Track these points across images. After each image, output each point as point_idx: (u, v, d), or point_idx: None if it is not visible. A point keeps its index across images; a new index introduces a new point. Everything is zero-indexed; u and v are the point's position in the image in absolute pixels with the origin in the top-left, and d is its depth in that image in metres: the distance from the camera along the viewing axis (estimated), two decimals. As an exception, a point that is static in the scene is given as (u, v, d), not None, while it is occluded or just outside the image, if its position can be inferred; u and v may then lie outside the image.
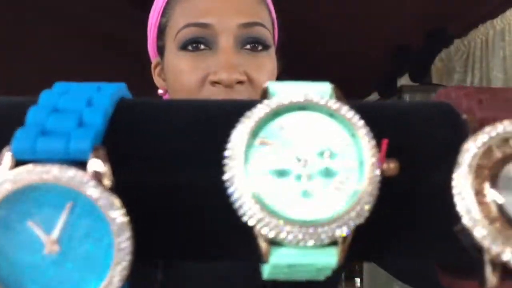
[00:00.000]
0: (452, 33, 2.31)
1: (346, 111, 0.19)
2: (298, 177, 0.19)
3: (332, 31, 2.32)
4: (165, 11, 0.64)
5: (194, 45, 0.59)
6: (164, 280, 0.56)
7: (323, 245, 0.19)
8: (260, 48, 0.61)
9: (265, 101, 0.20)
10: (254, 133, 0.19)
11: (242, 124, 0.19)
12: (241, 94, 0.57)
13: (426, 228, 0.21)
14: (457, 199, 0.19)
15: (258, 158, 0.19)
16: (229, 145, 0.19)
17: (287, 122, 0.20)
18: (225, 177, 0.19)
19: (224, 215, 0.20)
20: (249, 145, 0.19)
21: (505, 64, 2.09)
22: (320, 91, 0.20)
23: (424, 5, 2.18)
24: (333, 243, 0.19)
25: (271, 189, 0.19)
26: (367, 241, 0.21)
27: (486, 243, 0.18)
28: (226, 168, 0.19)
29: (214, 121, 0.22)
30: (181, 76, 0.59)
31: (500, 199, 0.19)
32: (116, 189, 0.18)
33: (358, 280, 3.01)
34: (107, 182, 0.18)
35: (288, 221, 0.18)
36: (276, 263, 0.19)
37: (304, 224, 0.19)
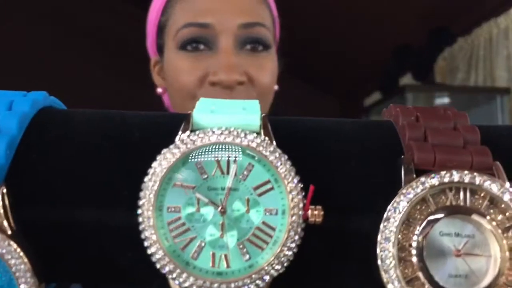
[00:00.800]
0: (455, 32, 2.29)
1: (269, 154, 0.19)
2: (214, 226, 0.19)
3: (334, 30, 2.31)
4: (165, 10, 0.63)
5: (193, 45, 0.59)
6: None
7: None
8: (260, 48, 0.60)
9: (178, 144, 0.19)
10: (168, 178, 0.19)
11: (154, 169, 0.18)
12: (241, 94, 0.56)
13: (353, 277, 0.20)
14: (379, 254, 0.18)
15: (171, 203, 0.19)
16: (142, 190, 0.18)
17: (208, 164, 0.19)
18: (139, 220, 0.18)
19: (134, 255, 0.19)
20: (163, 190, 0.18)
21: (509, 62, 2.07)
22: (248, 123, 0.20)
23: (427, 3, 2.16)
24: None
25: (184, 237, 0.18)
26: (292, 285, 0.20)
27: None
28: (139, 212, 0.18)
29: (133, 147, 0.21)
30: (180, 76, 0.59)
31: (418, 260, 0.18)
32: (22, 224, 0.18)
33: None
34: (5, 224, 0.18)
35: (201, 273, 0.18)
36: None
37: (217, 276, 0.18)
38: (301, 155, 0.20)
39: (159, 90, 0.66)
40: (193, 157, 0.19)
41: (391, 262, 0.18)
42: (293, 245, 0.18)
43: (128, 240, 0.19)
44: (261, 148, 0.19)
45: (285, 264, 0.18)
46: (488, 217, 0.18)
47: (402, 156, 0.19)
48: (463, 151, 0.19)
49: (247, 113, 0.20)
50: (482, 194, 0.18)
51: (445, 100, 2.14)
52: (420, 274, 0.18)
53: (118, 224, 0.19)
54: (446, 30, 2.31)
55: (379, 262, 0.18)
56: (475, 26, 2.22)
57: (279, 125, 0.21)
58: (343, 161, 0.21)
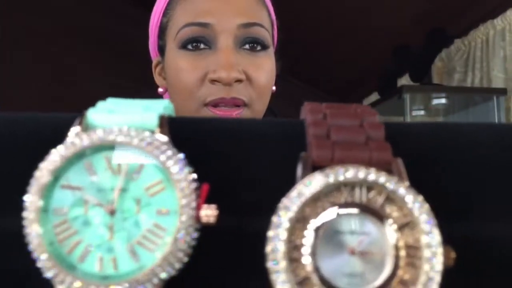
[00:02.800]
0: (452, 33, 2.28)
1: (160, 153, 0.18)
2: (103, 228, 0.18)
3: (333, 31, 2.31)
4: (166, 11, 0.65)
5: (194, 44, 0.60)
6: None
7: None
8: (258, 48, 0.61)
9: (67, 143, 0.18)
10: (55, 178, 0.18)
11: (41, 169, 0.18)
12: (239, 92, 0.57)
13: (253, 279, 0.19)
14: (268, 254, 0.17)
15: (58, 205, 0.18)
16: (28, 189, 0.18)
17: (97, 164, 0.19)
18: (23, 224, 0.18)
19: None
20: (49, 191, 0.18)
21: (505, 64, 2.06)
22: (144, 122, 0.19)
23: (424, 4, 2.16)
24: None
25: (71, 241, 0.18)
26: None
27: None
28: (23, 215, 0.18)
29: (23, 148, 0.20)
30: (181, 75, 0.60)
31: (311, 260, 0.17)
32: None
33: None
34: None
35: (86, 277, 0.17)
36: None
37: (104, 280, 0.17)
38: (201, 155, 0.20)
39: (160, 90, 0.67)
40: (82, 157, 0.18)
41: (280, 263, 0.17)
42: (184, 246, 0.18)
43: (19, 247, 0.18)
44: (151, 148, 0.18)
45: (177, 266, 0.18)
46: (384, 214, 0.18)
47: (302, 153, 0.19)
48: (363, 147, 0.18)
49: (144, 112, 0.19)
50: (378, 191, 0.18)
51: (442, 100, 2.14)
52: (312, 275, 0.17)
53: (10, 230, 0.19)
54: (443, 31, 2.30)
55: (268, 263, 0.17)
56: (472, 27, 2.22)
57: (183, 125, 0.20)
58: (243, 161, 0.20)
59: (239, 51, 0.60)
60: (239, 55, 0.60)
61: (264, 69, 0.61)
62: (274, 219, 0.17)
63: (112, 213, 0.18)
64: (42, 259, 0.17)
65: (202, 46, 0.60)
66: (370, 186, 0.18)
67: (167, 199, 0.18)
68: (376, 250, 0.17)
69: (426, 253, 0.17)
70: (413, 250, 0.18)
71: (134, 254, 0.18)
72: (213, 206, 0.18)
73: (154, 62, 0.69)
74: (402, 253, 0.18)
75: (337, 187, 0.18)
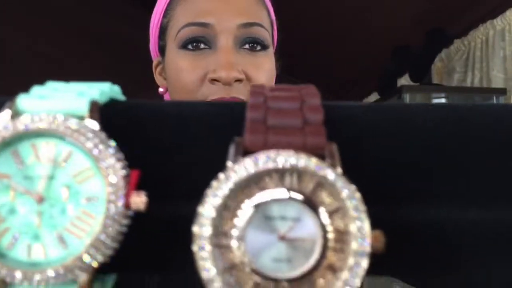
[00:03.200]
0: (452, 33, 2.27)
1: (87, 140, 0.18)
2: (30, 215, 0.18)
3: (333, 31, 2.31)
4: (167, 12, 0.65)
5: (194, 44, 0.60)
6: (161, 282, 0.56)
7: (64, 283, 0.18)
8: (258, 48, 0.61)
9: None
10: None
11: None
12: (239, 92, 0.58)
13: (188, 265, 0.19)
14: (194, 241, 0.17)
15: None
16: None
17: (24, 151, 0.18)
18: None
19: None
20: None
21: (505, 64, 2.05)
22: (74, 108, 0.19)
23: (424, 5, 2.15)
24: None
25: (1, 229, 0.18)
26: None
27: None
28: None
29: None
30: (181, 75, 0.60)
31: (238, 245, 0.17)
32: None
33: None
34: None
35: (15, 265, 0.17)
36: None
37: (32, 267, 0.17)
38: (136, 140, 0.19)
39: (161, 89, 0.68)
40: (8, 144, 0.18)
41: (206, 249, 0.17)
42: (112, 233, 0.17)
43: None
44: (77, 135, 0.18)
45: (107, 253, 0.18)
46: (314, 200, 0.17)
47: (235, 138, 0.18)
48: (297, 132, 0.18)
49: (76, 98, 0.19)
50: (309, 177, 0.17)
51: (442, 100, 2.14)
52: (239, 261, 0.17)
53: None
54: (443, 31, 2.30)
55: (194, 249, 0.17)
56: (471, 27, 2.21)
57: (119, 110, 0.20)
58: (181, 146, 0.20)
59: (239, 51, 0.60)
60: (239, 55, 0.60)
61: (263, 69, 0.61)
62: (201, 205, 0.17)
63: (40, 201, 0.18)
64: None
65: (202, 46, 0.60)
66: (300, 172, 0.17)
67: (95, 186, 0.18)
68: (306, 236, 0.17)
69: (354, 238, 0.17)
70: (342, 236, 0.17)
71: (63, 241, 0.18)
72: (143, 193, 0.18)
73: (155, 62, 0.70)
74: (331, 238, 0.17)
75: (268, 172, 0.17)
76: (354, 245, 0.17)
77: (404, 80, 2.42)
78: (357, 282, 0.17)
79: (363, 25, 2.26)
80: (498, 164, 0.19)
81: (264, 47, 0.62)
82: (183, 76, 0.59)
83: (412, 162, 0.19)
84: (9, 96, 0.20)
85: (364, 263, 0.17)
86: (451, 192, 0.19)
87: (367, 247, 0.17)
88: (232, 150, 0.18)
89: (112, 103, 0.20)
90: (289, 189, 0.17)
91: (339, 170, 0.17)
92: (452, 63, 2.26)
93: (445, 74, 2.30)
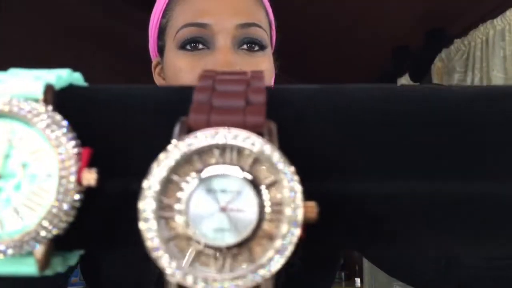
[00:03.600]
0: (452, 33, 2.28)
1: (40, 121, 0.19)
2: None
3: (333, 31, 2.32)
4: (166, 12, 0.66)
5: (192, 44, 0.61)
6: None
7: (21, 255, 0.19)
8: (256, 48, 0.62)
9: None
10: None
11: None
12: None
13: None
14: (139, 213, 0.18)
15: None
16: None
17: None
18: None
19: None
20: None
21: (505, 64, 2.05)
22: (28, 91, 0.20)
23: (424, 5, 2.15)
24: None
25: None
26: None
27: (161, 262, 0.18)
28: None
29: None
30: (179, 75, 0.60)
31: (181, 217, 0.18)
32: None
33: (358, 280, 2.97)
34: None
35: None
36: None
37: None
38: (89, 122, 0.21)
39: None
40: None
41: (150, 221, 0.18)
42: (65, 207, 0.19)
43: None
44: (31, 116, 0.19)
45: (61, 226, 0.19)
46: (253, 174, 0.19)
47: (181, 118, 0.20)
48: (239, 111, 0.19)
49: (32, 82, 0.20)
50: (247, 153, 0.19)
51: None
52: (182, 231, 0.19)
53: None
54: (443, 31, 2.30)
55: (140, 223, 0.18)
56: (471, 27, 2.21)
57: (75, 94, 0.22)
58: (131, 127, 0.21)
59: (237, 51, 0.61)
60: (237, 55, 0.60)
61: (261, 69, 0.61)
62: (146, 180, 0.19)
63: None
64: None
65: (200, 46, 0.61)
66: (240, 149, 0.19)
67: (49, 163, 0.19)
68: (245, 207, 0.19)
69: (288, 208, 0.18)
70: (278, 207, 0.19)
71: (19, 215, 0.19)
72: (93, 170, 0.19)
73: (154, 62, 0.71)
74: (268, 209, 0.19)
75: (210, 148, 0.19)
76: (287, 213, 0.18)
77: (404, 80, 2.42)
78: (290, 248, 0.18)
79: (363, 25, 2.26)
80: (416, 139, 0.20)
81: (262, 47, 0.62)
82: (182, 76, 0.60)
83: (341, 140, 0.21)
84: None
85: (297, 231, 0.18)
86: (373, 166, 0.20)
87: (299, 215, 0.18)
88: (177, 128, 0.19)
89: (69, 88, 0.22)
90: (229, 164, 0.19)
91: (275, 146, 0.19)
92: (452, 63, 2.26)
93: (445, 74, 2.30)
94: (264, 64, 0.62)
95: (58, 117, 0.19)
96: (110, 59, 2.32)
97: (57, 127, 0.19)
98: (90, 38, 2.31)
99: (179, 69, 0.61)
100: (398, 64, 2.40)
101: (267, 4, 0.68)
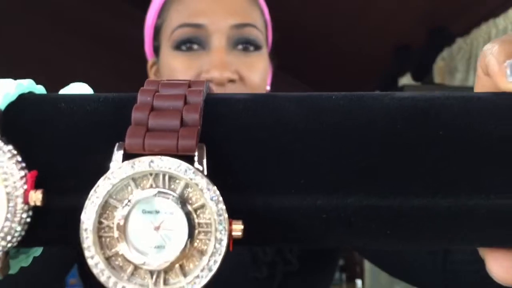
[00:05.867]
0: (454, 32, 2.26)
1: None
2: None
3: (333, 30, 2.32)
4: (161, 13, 0.67)
5: (187, 45, 0.62)
6: None
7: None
8: (251, 48, 0.63)
9: None
10: None
11: None
12: (233, 92, 0.61)
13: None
14: (81, 235, 0.20)
15: None
16: None
17: None
18: None
19: None
20: None
21: (506, 63, 2.03)
22: None
23: (425, 3, 2.15)
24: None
25: None
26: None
27: (102, 278, 0.20)
28: None
29: None
30: (175, 75, 0.62)
31: (119, 235, 0.20)
32: None
33: (359, 281, 2.98)
34: None
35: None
36: None
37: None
38: (36, 137, 0.23)
39: None
40: None
41: (90, 240, 0.20)
42: (15, 225, 0.21)
43: None
44: None
45: (14, 240, 0.21)
46: (183, 198, 0.21)
47: (119, 142, 0.22)
48: (171, 135, 0.21)
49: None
50: (179, 178, 0.21)
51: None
52: (120, 249, 0.21)
53: None
54: (445, 30, 2.29)
55: (82, 242, 0.20)
56: (474, 26, 2.20)
57: (23, 107, 0.23)
58: (71, 144, 0.23)
59: (232, 51, 0.62)
60: (232, 55, 0.61)
61: (257, 69, 0.63)
62: (88, 201, 0.21)
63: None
64: None
65: (195, 46, 0.62)
66: (172, 175, 0.21)
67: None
68: (177, 227, 0.21)
69: (214, 230, 0.20)
70: (206, 227, 0.21)
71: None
72: (40, 191, 0.21)
73: (150, 62, 0.72)
74: (198, 229, 0.21)
75: (144, 174, 0.21)
76: (214, 233, 0.20)
77: (406, 80, 2.42)
78: (217, 264, 0.20)
79: (364, 24, 2.26)
80: (340, 152, 0.22)
81: (257, 47, 0.63)
82: (177, 77, 0.61)
83: (265, 157, 0.23)
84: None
85: (223, 248, 0.20)
86: (295, 181, 0.22)
87: (225, 235, 0.20)
88: (114, 153, 0.21)
89: (18, 100, 0.23)
90: (162, 188, 0.21)
91: (203, 172, 0.21)
92: (454, 62, 2.25)
93: (447, 74, 2.29)
94: (259, 64, 0.63)
95: (2, 143, 0.21)
96: (111, 59, 2.34)
97: (2, 153, 0.21)
98: (90, 38, 2.32)
99: (174, 69, 0.62)
100: (399, 64, 2.40)
101: (263, 4, 0.69)
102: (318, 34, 2.29)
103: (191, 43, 0.61)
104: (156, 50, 0.67)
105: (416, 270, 0.56)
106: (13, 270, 0.24)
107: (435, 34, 2.27)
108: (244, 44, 0.62)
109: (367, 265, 2.72)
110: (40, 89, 0.26)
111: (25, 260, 0.25)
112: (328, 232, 0.22)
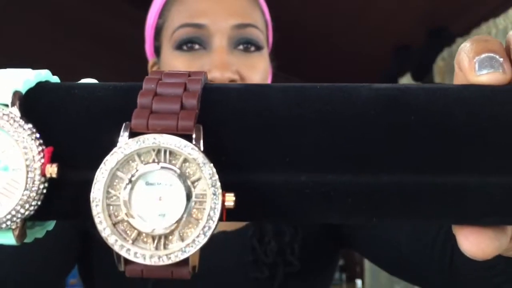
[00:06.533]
0: (454, 32, 2.28)
1: (8, 125, 0.24)
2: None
3: (333, 30, 2.33)
4: (162, 13, 0.68)
5: (189, 45, 0.63)
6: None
7: (2, 231, 0.25)
8: (252, 49, 0.64)
9: None
10: None
11: None
12: None
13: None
14: (91, 204, 0.23)
15: None
16: None
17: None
18: None
19: None
20: None
21: (506, 63, 2.05)
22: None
23: (425, 3, 2.16)
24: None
25: None
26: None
27: (109, 241, 0.23)
28: None
29: None
30: None
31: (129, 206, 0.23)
32: None
33: (359, 281, 3.00)
34: None
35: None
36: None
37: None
38: (53, 119, 0.26)
39: None
40: None
41: (100, 207, 0.23)
42: (33, 194, 0.24)
43: None
44: (1, 121, 0.24)
45: (32, 209, 0.24)
46: (182, 171, 0.24)
47: (126, 122, 0.24)
48: (172, 116, 0.24)
49: (1, 89, 0.25)
50: (178, 154, 0.24)
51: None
52: (126, 217, 0.24)
53: None
54: (445, 30, 2.30)
55: (92, 209, 0.23)
56: (474, 26, 2.21)
57: (40, 93, 0.26)
58: (86, 125, 0.26)
59: (233, 51, 0.63)
60: (233, 55, 0.62)
61: (257, 69, 0.64)
62: (96, 174, 0.24)
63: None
64: None
65: (196, 46, 0.63)
66: (172, 150, 0.24)
67: (18, 160, 0.24)
68: (176, 197, 0.24)
69: (209, 200, 0.23)
70: (202, 198, 0.24)
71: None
72: (55, 164, 0.24)
73: (150, 62, 0.73)
74: (194, 199, 0.24)
75: (148, 150, 0.24)
76: (209, 203, 0.23)
77: (406, 80, 2.44)
78: (211, 230, 0.23)
79: (364, 24, 2.28)
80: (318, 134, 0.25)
81: (258, 48, 0.64)
82: None
83: (256, 139, 0.25)
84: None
85: (216, 216, 0.23)
86: (280, 160, 0.25)
87: (218, 205, 0.23)
88: (122, 131, 0.24)
89: (36, 87, 0.26)
90: (163, 162, 0.24)
91: (200, 148, 0.24)
92: (454, 62, 2.27)
93: (447, 73, 2.31)
94: (260, 65, 0.64)
95: (23, 121, 0.24)
96: (111, 59, 2.35)
97: (23, 130, 0.24)
98: (90, 38, 2.34)
99: (175, 69, 0.62)
100: (399, 64, 2.42)
101: (263, 4, 0.70)
102: (318, 34, 2.31)
103: (192, 43, 0.62)
104: (157, 50, 0.68)
105: (416, 268, 0.57)
106: (29, 239, 0.27)
107: (435, 34, 2.29)
108: (245, 44, 0.63)
109: (367, 265, 2.74)
110: (55, 79, 0.29)
111: (40, 232, 0.28)
112: (312, 208, 0.25)
